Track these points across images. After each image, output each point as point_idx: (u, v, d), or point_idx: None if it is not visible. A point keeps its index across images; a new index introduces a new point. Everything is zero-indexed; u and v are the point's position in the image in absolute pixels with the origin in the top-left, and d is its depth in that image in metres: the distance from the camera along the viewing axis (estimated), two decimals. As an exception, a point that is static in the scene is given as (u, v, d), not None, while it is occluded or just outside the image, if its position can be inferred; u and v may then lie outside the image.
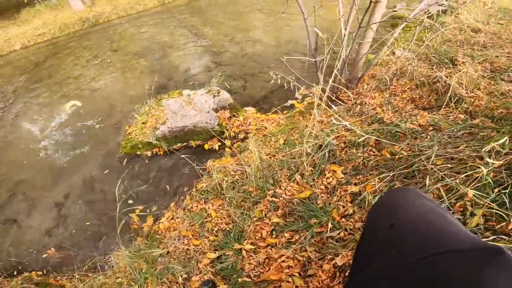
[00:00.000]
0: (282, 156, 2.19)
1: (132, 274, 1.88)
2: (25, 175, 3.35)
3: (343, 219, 1.54)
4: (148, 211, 2.56)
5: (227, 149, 2.86)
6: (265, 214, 1.81)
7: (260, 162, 2.12)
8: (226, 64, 4.79)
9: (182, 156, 2.92)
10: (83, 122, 4.02)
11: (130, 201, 2.71)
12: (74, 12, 9.18)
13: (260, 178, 2.02)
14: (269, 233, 1.70)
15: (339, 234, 1.47)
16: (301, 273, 1.43)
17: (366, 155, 1.85)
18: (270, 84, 4.04)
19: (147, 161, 3.03)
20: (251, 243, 1.68)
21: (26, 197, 3.08)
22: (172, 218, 2.36)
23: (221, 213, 2.06)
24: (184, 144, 3.03)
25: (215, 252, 1.75)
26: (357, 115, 2.47)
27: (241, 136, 3.01)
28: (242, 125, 3.11)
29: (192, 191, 2.51)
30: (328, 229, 1.50)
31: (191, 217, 2.15)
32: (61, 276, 2.19)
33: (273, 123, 3.06)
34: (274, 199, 1.83)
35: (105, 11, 9.09)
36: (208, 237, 1.92)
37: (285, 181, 1.92)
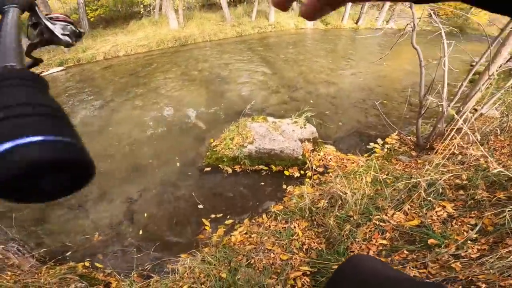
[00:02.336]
0: (376, 190, 2.31)
1: (205, 280, 1.96)
2: (106, 165, 3.71)
3: (469, 242, 1.66)
4: (220, 222, 2.71)
5: (307, 179, 2.99)
6: (369, 236, 1.95)
7: (357, 191, 2.25)
8: (300, 101, 5.09)
9: (263, 173, 3.12)
10: (169, 128, 4.55)
11: (200, 206, 2.90)
12: (170, 30, 10.74)
13: (361, 205, 2.17)
14: (375, 252, 1.82)
15: (466, 252, 1.58)
16: None
17: (478, 196, 2.00)
18: (347, 126, 4.20)
19: (226, 175, 3.27)
20: None
21: (100, 186, 3.33)
22: (246, 233, 2.49)
23: (309, 233, 2.20)
24: (266, 166, 3.24)
25: (310, 267, 1.84)
26: (457, 164, 2.48)
27: (320, 169, 3.14)
28: (322, 160, 3.25)
29: (270, 210, 2.65)
30: (453, 248, 1.62)
31: (276, 233, 2.27)
32: (115, 273, 2.20)
33: (353, 163, 3.16)
34: (381, 223, 2.00)
35: (193, 34, 10.47)
36: (298, 253, 2.01)
37: (390, 210, 2.08)
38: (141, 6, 11.88)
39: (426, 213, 2.00)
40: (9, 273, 2.05)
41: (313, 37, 11.14)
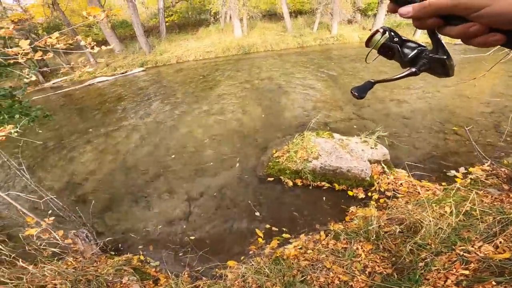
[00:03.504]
0: (459, 221, 2.11)
1: None
2: (173, 163, 4.03)
3: None
4: (275, 233, 2.69)
5: (372, 202, 2.82)
6: (448, 266, 1.81)
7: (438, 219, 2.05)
8: (368, 119, 4.84)
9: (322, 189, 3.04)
10: (231, 133, 4.77)
11: (257, 214, 2.93)
12: (234, 38, 11.39)
13: (443, 234, 2.02)
14: (453, 282, 1.70)
15: None
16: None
17: None
18: (422, 151, 3.84)
19: (286, 188, 3.28)
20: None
21: (166, 181, 3.61)
22: (301, 248, 2.43)
23: (373, 256, 2.09)
24: (328, 184, 3.15)
25: None
26: None
27: (388, 193, 2.93)
28: (392, 184, 3.03)
29: (330, 228, 2.57)
30: None
31: (336, 252, 2.18)
32: (166, 270, 2.25)
33: (427, 190, 2.88)
34: (465, 254, 1.87)
35: (256, 43, 10.90)
36: (360, 275, 1.91)
37: (477, 242, 1.92)
38: (210, 13, 12.84)
39: None
40: (71, 259, 2.15)
41: (380, 50, 10.53)
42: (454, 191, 2.70)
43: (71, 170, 4.21)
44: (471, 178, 2.97)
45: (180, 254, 2.57)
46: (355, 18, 13.68)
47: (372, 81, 0.51)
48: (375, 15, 12.37)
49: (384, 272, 1.94)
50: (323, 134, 3.75)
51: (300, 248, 2.43)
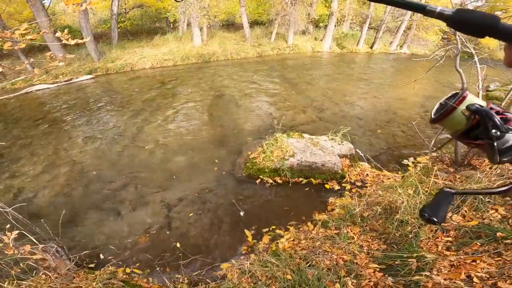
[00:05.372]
0: (424, 198, 2.50)
1: (270, 283, 2.00)
2: (142, 173, 3.78)
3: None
4: (263, 229, 2.76)
5: (346, 192, 3.12)
6: (433, 235, 2.10)
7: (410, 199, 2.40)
8: (328, 121, 5.29)
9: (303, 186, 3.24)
10: (201, 139, 4.73)
11: (242, 213, 2.97)
12: (194, 47, 11.28)
13: (414, 210, 2.35)
14: (444, 248, 1.98)
15: None
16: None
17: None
18: (376, 146, 4.35)
19: (267, 186, 3.38)
20: (431, 253, 1.96)
21: (136, 191, 3.38)
22: (293, 240, 2.56)
23: (364, 237, 2.34)
24: (306, 179, 3.36)
25: (378, 264, 1.98)
26: (498, 176, 2.62)
27: (358, 183, 3.26)
28: (359, 175, 3.38)
29: (315, 219, 2.76)
30: None
31: (330, 238, 2.36)
32: (161, 282, 2.15)
33: (389, 178, 3.29)
34: (442, 224, 2.13)
35: (216, 51, 10.98)
36: (359, 254, 2.11)
37: (447, 213, 2.23)
38: (168, 21, 12.54)
39: (482, 215, 2.21)
40: (43, 276, 1.93)
41: (330, 60, 11.60)
42: (411, 177, 3.15)
43: (17, 185, 3.64)
44: (420, 166, 3.50)
45: (170, 261, 2.44)
46: (308, 29, 14.84)
47: (452, 191, 0.38)
48: (326, 26, 13.62)
49: (380, 248, 2.17)
50: (293, 135, 3.99)
51: (293, 240, 2.54)
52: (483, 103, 0.36)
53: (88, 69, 9.62)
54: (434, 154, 3.53)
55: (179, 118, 5.55)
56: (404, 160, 3.79)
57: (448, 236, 2.09)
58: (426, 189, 2.65)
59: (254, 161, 3.62)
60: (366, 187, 3.18)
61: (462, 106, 0.36)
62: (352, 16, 14.12)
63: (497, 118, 0.33)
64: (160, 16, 13.61)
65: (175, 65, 9.80)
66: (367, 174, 3.39)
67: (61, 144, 4.69)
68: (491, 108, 0.35)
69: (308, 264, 2.07)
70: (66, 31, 1.72)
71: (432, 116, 0.40)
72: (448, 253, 1.96)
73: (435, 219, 0.39)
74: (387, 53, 14.01)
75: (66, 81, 9.10)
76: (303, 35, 14.10)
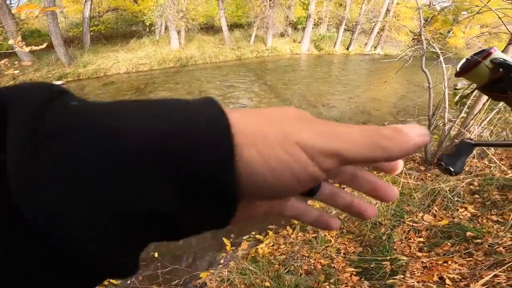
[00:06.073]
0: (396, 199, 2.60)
1: None
2: None
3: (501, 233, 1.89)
4: (241, 236, 2.74)
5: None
6: (406, 236, 2.16)
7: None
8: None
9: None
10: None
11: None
12: (171, 50, 11.05)
13: (391, 209, 2.44)
14: (416, 249, 2.03)
15: (502, 240, 1.79)
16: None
17: (493, 197, 2.35)
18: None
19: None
20: (404, 255, 2.00)
21: None
22: (272, 245, 2.55)
23: (341, 240, 2.38)
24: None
25: (354, 267, 2.00)
26: (467, 174, 2.78)
27: (335, 185, 3.32)
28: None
29: (294, 222, 2.77)
30: (489, 238, 1.85)
31: (308, 242, 2.36)
32: None
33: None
34: (414, 224, 2.26)
35: (194, 55, 10.82)
36: (337, 258, 2.14)
37: (419, 213, 2.37)
38: (144, 25, 12.24)
39: (452, 214, 2.30)
40: None
41: (308, 62, 11.77)
42: (387, 176, 3.24)
43: None
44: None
45: (148, 271, 2.35)
46: (287, 32, 14.99)
47: (472, 142, 0.38)
48: (303, 28, 13.82)
49: (356, 251, 2.21)
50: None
51: (272, 245, 2.53)
52: (509, 59, 0.36)
53: (58, 74, 9.16)
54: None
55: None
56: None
57: (420, 237, 2.13)
58: (399, 188, 2.72)
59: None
60: (344, 188, 3.22)
61: (487, 61, 0.36)
62: (329, 18, 14.44)
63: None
64: (136, 19, 13.25)
65: (151, 70, 9.56)
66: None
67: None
68: None
69: (286, 270, 2.06)
70: (19, 38, 1.61)
71: (457, 70, 0.41)
72: (420, 254, 2.00)
73: (451, 169, 0.40)
74: (362, 54, 14.42)
75: (35, 88, 8.63)
76: (281, 38, 14.22)
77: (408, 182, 2.97)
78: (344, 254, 2.18)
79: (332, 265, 2.07)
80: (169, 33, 11.22)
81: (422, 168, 3.37)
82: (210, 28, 15.39)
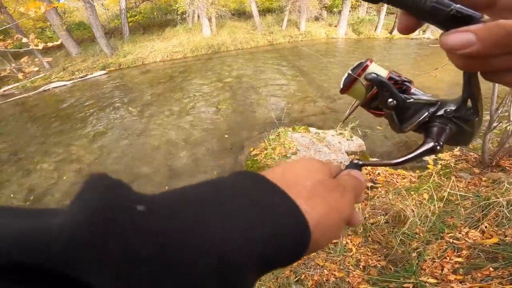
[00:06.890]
0: (439, 207, 2.23)
1: None
2: (146, 169, 3.77)
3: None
4: None
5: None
6: (441, 255, 1.85)
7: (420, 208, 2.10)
8: (340, 112, 4.94)
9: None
10: (205, 134, 4.61)
11: None
12: (203, 38, 11.10)
13: (429, 222, 2.09)
14: (450, 271, 1.74)
15: None
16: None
17: None
18: (393, 140, 4.00)
19: (268, 184, 3.21)
20: (433, 277, 1.73)
21: (141, 188, 3.33)
22: None
23: (364, 249, 2.09)
24: (309, 178, 3.14)
25: (372, 284, 1.76)
26: None
27: (368, 184, 2.99)
28: (370, 174, 3.09)
29: None
30: None
31: (326, 249, 2.16)
32: None
33: (404, 178, 2.99)
34: (454, 241, 1.93)
35: (226, 41, 10.73)
36: (354, 270, 1.90)
37: (464, 228, 2.00)
38: (177, 13, 12.43)
39: (504, 232, 1.90)
40: None
41: (346, 47, 10.96)
42: (430, 177, 2.83)
43: (29, 183, 3.75)
44: (441, 164, 3.13)
45: None
46: (322, 15, 14.10)
47: (360, 163, 0.33)
48: (340, 11, 12.85)
49: (378, 265, 1.94)
50: (299, 129, 3.75)
51: None
52: (384, 72, 0.33)
53: (101, 64, 9.79)
54: (457, 152, 3.14)
55: (185, 112, 5.46)
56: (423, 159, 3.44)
57: (459, 256, 1.81)
58: (444, 194, 2.35)
59: (255, 158, 3.44)
60: (377, 188, 2.90)
61: (362, 77, 0.33)
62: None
63: (393, 87, 0.31)
64: (170, 8, 13.48)
65: (185, 57, 9.71)
66: (378, 173, 3.09)
67: (71, 143, 4.78)
68: (390, 78, 0.32)
69: (296, 279, 1.90)
70: (32, 35, 1.62)
71: (341, 86, 0.35)
72: (453, 277, 1.70)
73: None
74: (408, 38, 12.98)
75: (81, 77, 9.34)
76: (316, 22, 13.40)
77: (456, 186, 2.54)
78: (364, 267, 1.94)
79: (347, 279, 1.85)
80: (201, 21, 11.23)
81: (477, 170, 2.85)
82: (241, 14, 15.10)
